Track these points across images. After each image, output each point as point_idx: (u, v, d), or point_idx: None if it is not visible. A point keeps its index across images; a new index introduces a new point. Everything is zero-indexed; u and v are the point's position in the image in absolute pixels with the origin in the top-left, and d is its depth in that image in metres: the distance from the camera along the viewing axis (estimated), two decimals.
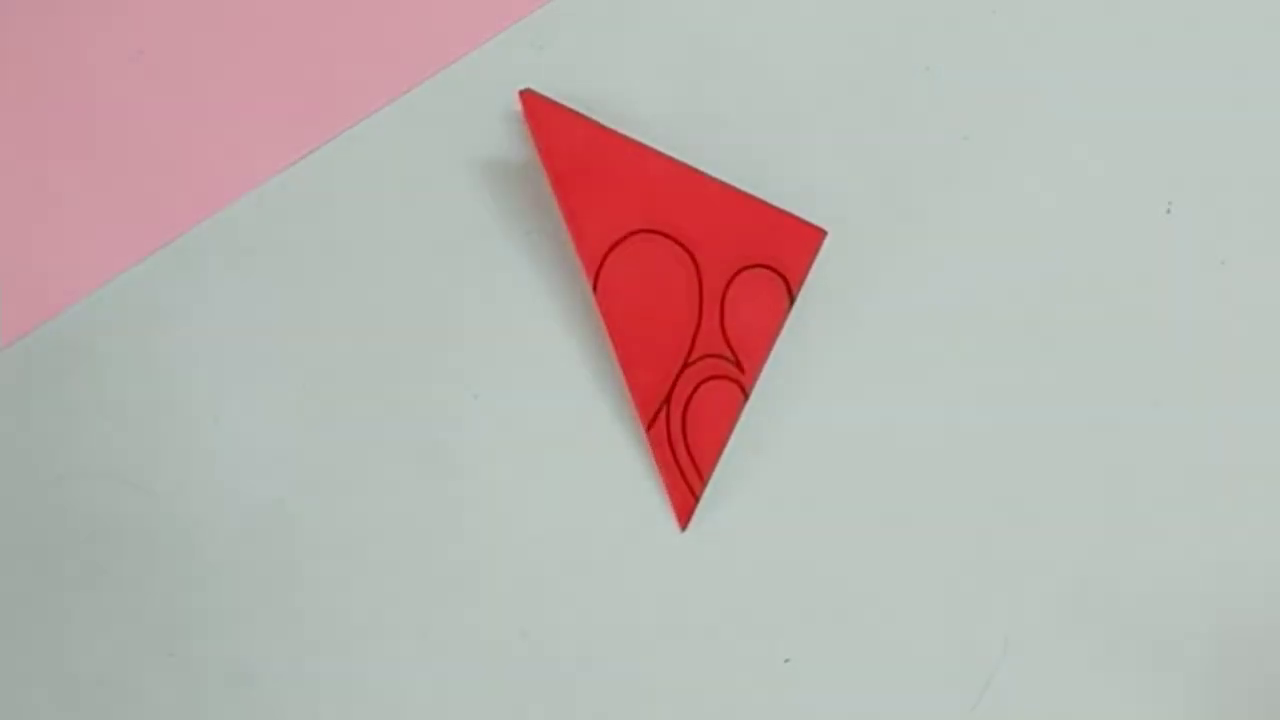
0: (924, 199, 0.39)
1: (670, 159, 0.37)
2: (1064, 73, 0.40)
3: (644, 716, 0.37)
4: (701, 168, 0.37)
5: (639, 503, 0.37)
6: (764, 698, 0.36)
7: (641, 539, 0.37)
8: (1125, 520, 0.37)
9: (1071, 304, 0.38)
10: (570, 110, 0.37)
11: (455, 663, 0.37)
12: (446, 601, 0.37)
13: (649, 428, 0.36)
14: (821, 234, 0.37)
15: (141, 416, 0.38)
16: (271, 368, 0.38)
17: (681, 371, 0.36)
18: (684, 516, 0.36)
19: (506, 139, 0.39)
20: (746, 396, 0.37)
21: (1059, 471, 0.37)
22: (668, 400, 0.36)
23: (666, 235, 0.36)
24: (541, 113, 0.36)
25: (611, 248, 0.36)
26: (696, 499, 0.36)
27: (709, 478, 0.37)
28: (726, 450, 0.37)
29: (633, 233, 0.36)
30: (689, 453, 0.36)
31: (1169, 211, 0.39)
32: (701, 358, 0.36)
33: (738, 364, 0.36)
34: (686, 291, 0.36)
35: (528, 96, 0.37)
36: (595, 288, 0.36)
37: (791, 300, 0.37)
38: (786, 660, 0.36)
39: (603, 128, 0.37)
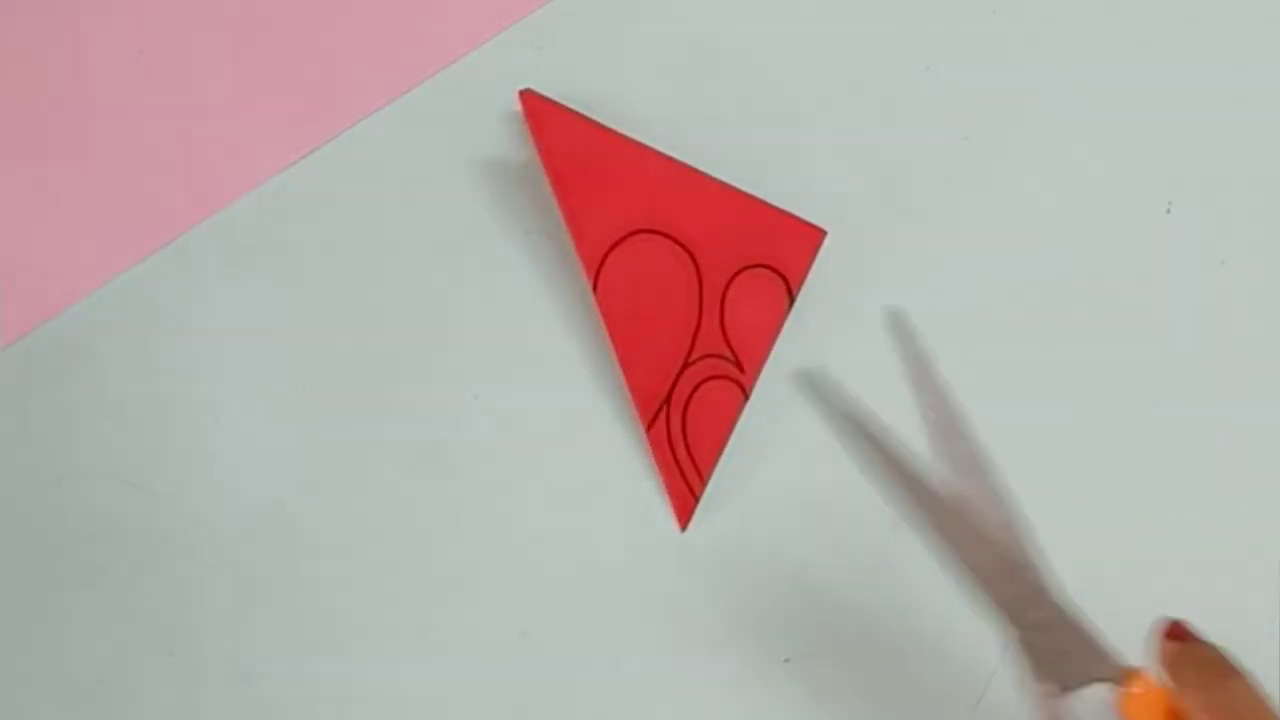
0: (924, 199, 0.39)
1: (670, 159, 0.37)
2: (1064, 73, 0.40)
3: (644, 716, 0.37)
4: (701, 168, 0.37)
5: (639, 503, 0.37)
6: (764, 697, 0.36)
7: (641, 539, 0.37)
8: (1125, 519, 0.37)
9: (1071, 304, 0.38)
10: (570, 110, 0.37)
11: (455, 663, 0.37)
12: (446, 601, 0.37)
13: (649, 428, 0.36)
14: (821, 234, 0.37)
15: (141, 416, 0.38)
16: (271, 368, 0.38)
17: (681, 371, 0.36)
18: (684, 516, 0.36)
19: (506, 139, 0.39)
20: (746, 396, 0.37)
21: (1059, 471, 0.37)
22: (668, 400, 0.36)
23: (666, 235, 0.36)
24: (541, 113, 0.36)
25: (611, 248, 0.36)
26: (696, 499, 0.36)
27: (709, 478, 0.37)
28: (726, 450, 0.37)
29: (633, 233, 0.36)
30: (689, 453, 0.36)
31: (1169, 211, 0.39)
32: (701, 358, 0.36)
33: (738, 364, 0.36)
34: (686, 291, 0.36)
35: (528, 96, 0.37)
36: (595, 288, 0.36)
37: (791, 300, 0.37)
38: (786, 660, 0.36)
39: (603, 128, 0.37)
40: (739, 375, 0.37)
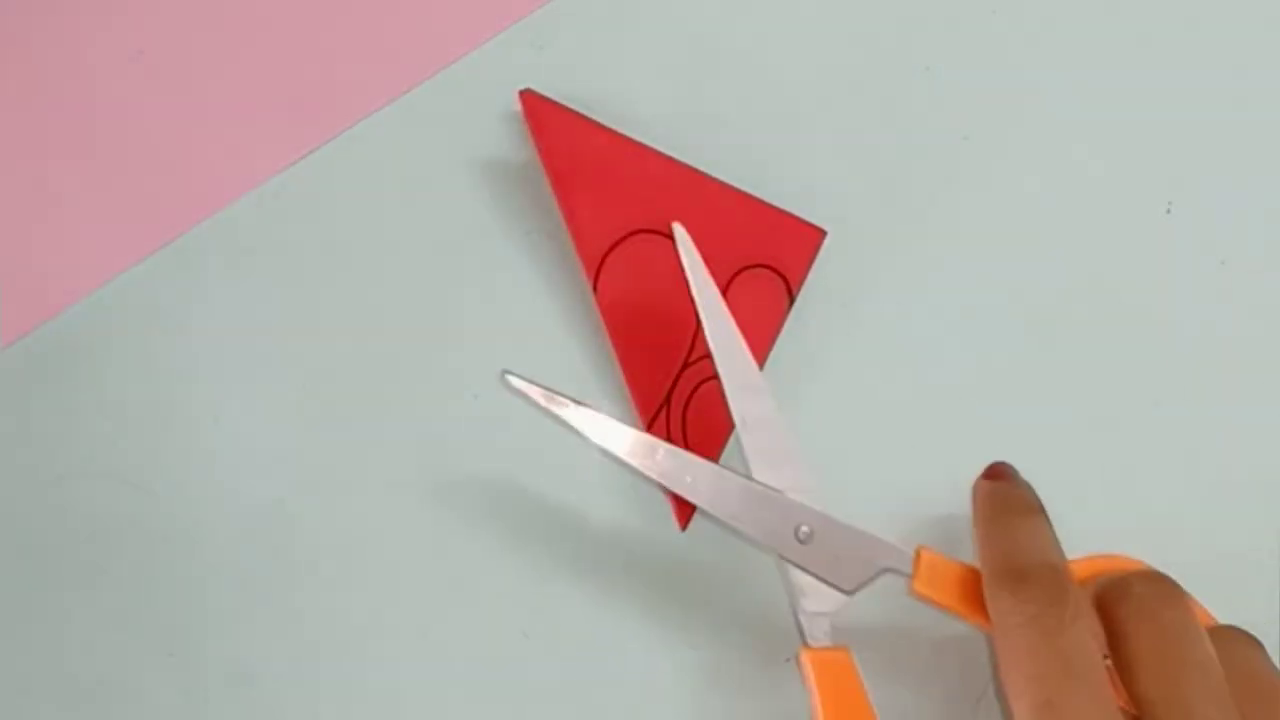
0: (924, 199, 0.39)
1: (670, 159, 0.37)
2: (1064, 73, 0.40)
3: (644, 716, 0.37)
4: (701, 168, 0.37)
5: (639, 503, 0.37)
6: (765, 697, 0.36)
7: (641, 539, 0.37)
8: (1125, 519, 0.37)
9: (1071, 304, 0.38)
10: (570, 110, 0.37)
11: (455, 663, 0.37)
12: (447, 602, 0.37)
13: (649, 428, 0.36)
14: (821, 234, 0.37)
15: (141, 416, 0.38)
16: (271, 368, 0.38)
17: (681, 371, 0.36)
18: (684, 516, 0.36)
19: (506, 139, 0.39)
20: None
21: (1059, 471, 0.37)
22: (668, 400, 0.36)
23: (667, 235, 0.36)
24: (541, 113, 0.37)
25: (611, 248, 0.36)
26: None
27: None
28: (726, 450, 0.37)
29: (633, 233, 0.36)
30: (689, 453, 0.36)
31: (1169, 211, 0.39)
32: (702, 358, 0.36)
33: None
34: (686, 291, 0.36)
35: (528, 96, 0.37)
36: (595, 288, 0.36)
37: (791, 300, 0.37)
38: (787, 660, 0.36)
39: (603, 128, 0.37)
40: None
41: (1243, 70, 0.40)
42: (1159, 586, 0.29)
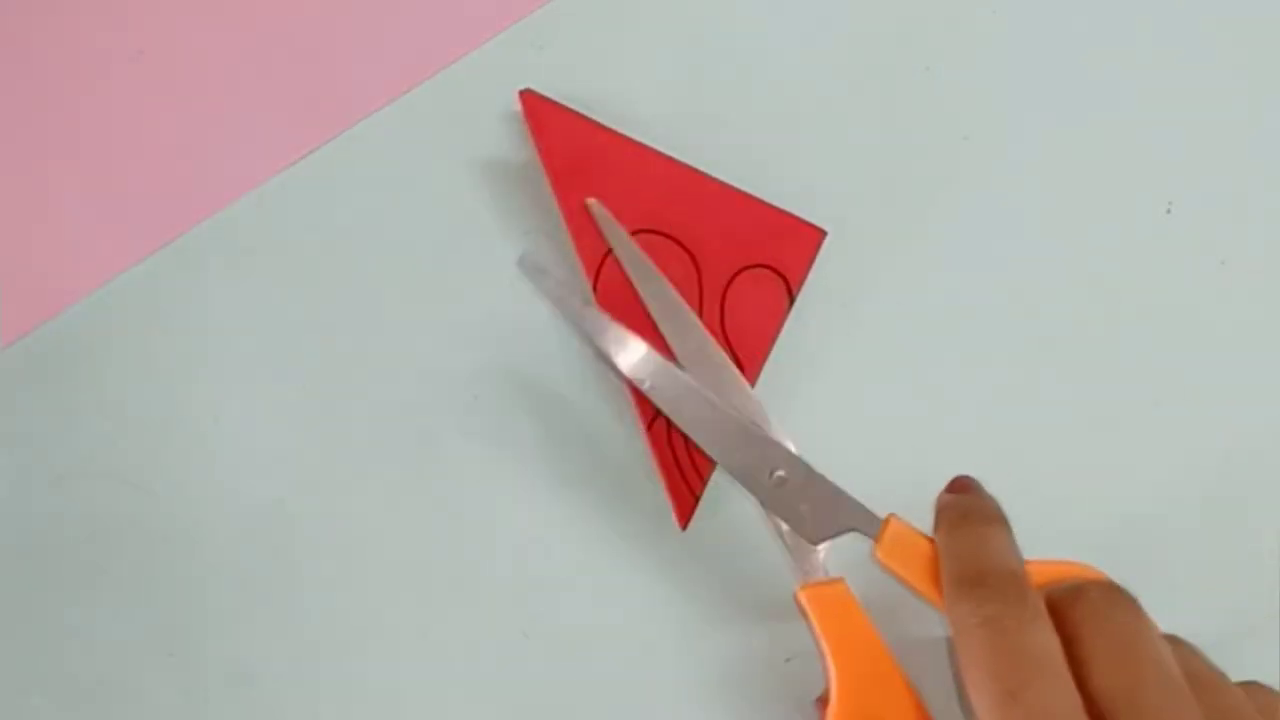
0: (924, 199, 0.39)
1: (670, 159, 0.37)
2: (1064, 73, 0.40)
3: (645, 716, 0.37)
4: (701, 168, 0.37)
5: (639, 503, 0.37)
6: (766, 696, 0.36)
7: (641, 539, 0.37)
8: (1124, 519, 0.37)
9: (1071, 304, 0.38)
10: (570, 110, 0.37)
11: (455, 663, 0.37)
12: (447, 602, 0.37)
13: (649, 428, 0.36)
14: (821, 234, 0.37)
15: (141, 416, 0.38)
16: (271, 368, 0.38)
17: None
18: (684, 516, 0.36)
19: (506, 139, 0.39)
20: None
21: (1057, 471, 0.37)
22: None
23: (666, 235, 0.36)
24: (541, 113, 0.37)
25: (611, 248, 0.36)
26: (696, 499, 0.36)
27: (709, 478, 0.36)
28: None
29: (633, 233, 0.36)
30: (689, 453, 0.36)
31: (1169, 211, 0.39)
32: None
33: (738, 363, 0.36)
34: (686, 291, 0.36)
35: (528, 96, 0.37)
36: (595, 288, 0.36)
37: (791, 300, 0.37)
38: (788, 660, 0.36)
39: (603, 128, 0.37)
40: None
41: (1243, 70, 0.40)
42: (1112, 593, 0.30)
